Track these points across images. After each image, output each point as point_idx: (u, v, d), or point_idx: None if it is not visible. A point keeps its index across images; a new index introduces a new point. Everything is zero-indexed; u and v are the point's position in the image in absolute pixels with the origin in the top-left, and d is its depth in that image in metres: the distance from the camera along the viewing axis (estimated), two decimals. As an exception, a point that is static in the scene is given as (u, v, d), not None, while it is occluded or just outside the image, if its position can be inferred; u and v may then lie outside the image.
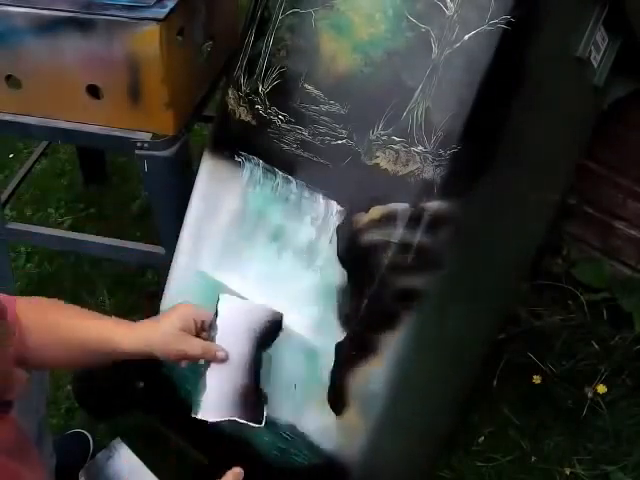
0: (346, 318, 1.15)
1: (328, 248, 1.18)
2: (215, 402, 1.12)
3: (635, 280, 1.88)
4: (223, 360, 1.12)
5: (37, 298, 1.17)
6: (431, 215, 1.09)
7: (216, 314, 1.15)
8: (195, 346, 1.11)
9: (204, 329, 1.16)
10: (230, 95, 1.30)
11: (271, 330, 1.18)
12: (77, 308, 1.17)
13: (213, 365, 1.12)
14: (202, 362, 1.14)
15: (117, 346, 1.10)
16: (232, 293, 1.27)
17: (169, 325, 1.12)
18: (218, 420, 1.12)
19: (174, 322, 1.12)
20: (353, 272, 1.16)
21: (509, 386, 1.74)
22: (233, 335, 1.14)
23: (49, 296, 1.18)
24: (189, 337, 1.12)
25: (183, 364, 1.16)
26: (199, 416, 1.12)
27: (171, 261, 1.41)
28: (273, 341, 1.18)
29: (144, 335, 1.12)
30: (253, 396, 1.14)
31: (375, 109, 1.12)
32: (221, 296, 1.16)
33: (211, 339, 1.14)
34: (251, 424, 1.14)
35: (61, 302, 1.17)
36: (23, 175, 2.12)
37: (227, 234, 1.32)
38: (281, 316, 1.18)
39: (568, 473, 1.59)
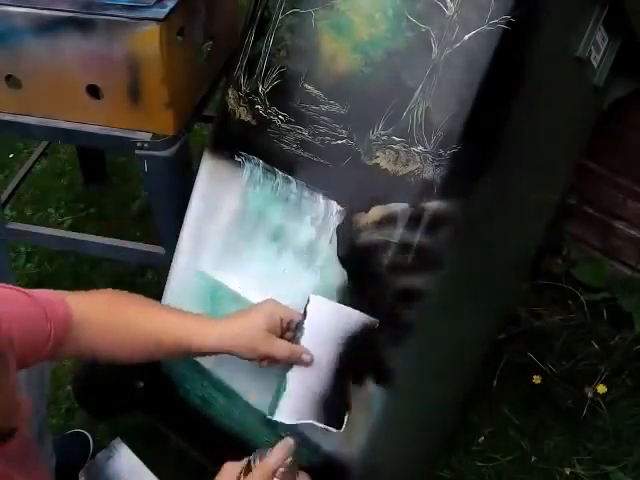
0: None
1: (328, 248, 1.18)
2: (294, 405, 1.10)
3: (635, 280, 1.88)
4: (308, 364, 1.09)
5: (101, 293, 1.16)
6: (431, 215, 1.09)
7: (304, 315, 1.11)
8: (282, 349, 1.09)
9: (289, 329, 1.13)
10: (230, 95, 1.30)
11: (361, 336, 1.11)
12: (149, 302, 1.16)
13: (296, 367, 1.10)
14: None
15: (200, 345, 1.09)
16: (232, 293, 1.28)
17: (256, 325, 1.09)
18: (294, 423, 1.10)
19: (261, 322, 1.09)
20: (353, 272, 1.16)
21: (509, 386, 1.74)
22: (320, 338, 1.11)
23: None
24: (275, 339, 1.10)
25: (264, 363, 1.14)
26: (275, 417, 1.09)
27: (171, 261, 1.41)
28: (364, 348, 1.12)
29: (229, 334, 1.10)
30: (334, 400, 1.11)
31: (375, 109, 1.12)
32: (311, 297, 1.12)
33: (296, 340, 1.11)
34: (330, 428, 1.11)
35: (128, 295, 1.17)
36: (23, 175, 2.12)
37: (227, 234, 1.32)
38: (375, 323, 1.12)
39: (568, 473, 1.59)
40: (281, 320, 1.12)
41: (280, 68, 1.23)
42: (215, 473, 1.03)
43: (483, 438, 1.67)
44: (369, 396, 1.17)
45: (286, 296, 1.20)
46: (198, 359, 1.34)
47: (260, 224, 1.28)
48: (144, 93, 1.45)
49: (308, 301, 1.12)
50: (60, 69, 1.45)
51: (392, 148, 1.11)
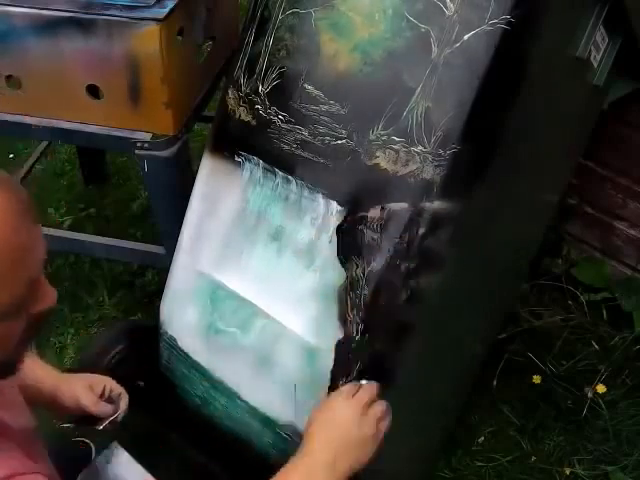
0: (346, 318, 1.16)
1: (328, 248, 1.18)
2: None
3: (635, 280, 1.88)
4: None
5: None
6: (431, 215, 1.09)
7: None
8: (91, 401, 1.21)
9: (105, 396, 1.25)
10: (230, 95, 1.30)
11: None
12: None
13: None
14: None
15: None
16: (232, 293, 1.28)
17: (84, 377, 1.24)
18: None
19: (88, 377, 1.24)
20: (353, 272, 1.16)
21: (509, 386, 1.74)
22: None
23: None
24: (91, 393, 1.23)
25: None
26: None
27: (171, 261, 1.41)
28: None
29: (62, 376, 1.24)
30: None
31: (375, 109, 1.12)
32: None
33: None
34: None
35: None
36: (23, 175, 2.12)
37: (227, 234, 1.32)
38: None
39: (568, 473, 1.59)
40: (104, 387, 1.24)
41: (280, 68, 1.23)
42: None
43: (483, 438, 1.67)
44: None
45: (286, 296, 1.21)
46: (198, 359, 1.34)
47: (260, 224, 1.28)
48: (144, 93, 1.45)
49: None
50: (60, 69, 1.46)
51: (392, 148, 1.10)
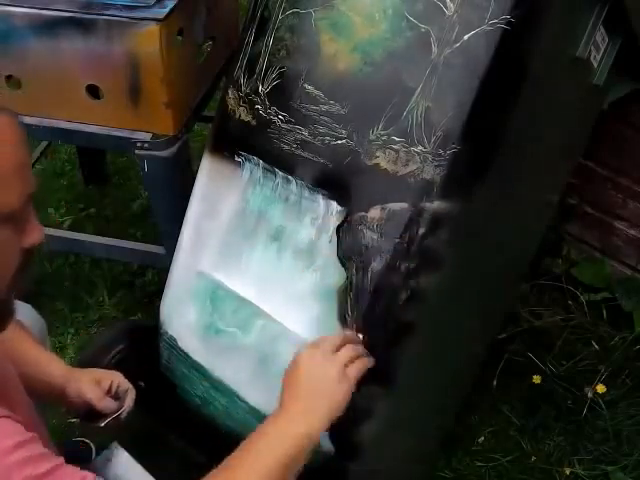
0: (346, 318, 1.16)
1: (328, 248, 1.18)
2: None
3: (635, 280, 1.88)
4: None
5: None
6: (431, 215, 1.09)
7: None
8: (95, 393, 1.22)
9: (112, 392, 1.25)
10: (230, 95, 1.30)
11: None
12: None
13: None
14: None
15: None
16: (232, 293, 1.28)
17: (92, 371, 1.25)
18: None
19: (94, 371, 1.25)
20: (353, 272, 1.16)
21: (509, 386, 1.74)
22: None
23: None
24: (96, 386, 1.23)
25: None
26: None
27: (171, 261, 1.41)
28: None
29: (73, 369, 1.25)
30: None
31: (375, 109, 1.12)
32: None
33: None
34: None
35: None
36: (23, 175, 2.12)
37: (227, 234, 1.32)
38: None
39: (568, 473, 1.59)
40: (111, 383, 1.25)
41: (280, 68, 1.23)
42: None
43: (483, 438, 1.67)
44: (369, 397, 1.17)
45: (286, 296, 1.21)
46: (198, 359, 1.34)
47: (260, 224, 1.28)
48: (144, 93, 1.45)
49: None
50: (60, 69, 1.46)
51: (392, 148, 1.10)
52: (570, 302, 1.86)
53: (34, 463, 0.79)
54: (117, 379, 1.26)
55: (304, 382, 1.00)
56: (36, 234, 0.86)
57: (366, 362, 1.06)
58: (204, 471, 0.95)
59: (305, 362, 1.01)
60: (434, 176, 1.08)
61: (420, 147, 1.08)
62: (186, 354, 1.36)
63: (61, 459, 0.83)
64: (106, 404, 1.22)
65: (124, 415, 1.25)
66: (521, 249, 1.50)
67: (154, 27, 1.36)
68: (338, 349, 1.03)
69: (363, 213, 1.14)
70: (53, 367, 1.23)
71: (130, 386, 1.27)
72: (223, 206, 1.33)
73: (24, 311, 1.34)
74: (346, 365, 1.02)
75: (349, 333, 1.11)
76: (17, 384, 1.02)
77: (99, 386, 1.23)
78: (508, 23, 1.04)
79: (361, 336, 1.12)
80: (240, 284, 1.28)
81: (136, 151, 1.51)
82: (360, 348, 1.07)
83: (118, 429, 1.30)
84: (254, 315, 1.25)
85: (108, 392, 1.24)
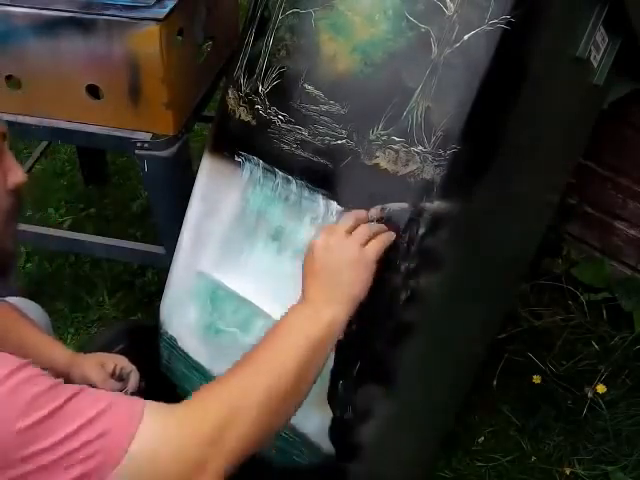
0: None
1: (328, 248, 1.18)
2: None
3: (635, 280, 1.88)
4: None
5: None
6: (431, 215, 1.09)
7: None
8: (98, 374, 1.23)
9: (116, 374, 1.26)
10: (230, 95, 1.30)
11: None
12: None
13: None
14: None
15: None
16: (232, 293, 1.28)
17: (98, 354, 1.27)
18: None
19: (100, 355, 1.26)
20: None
21: (509, 386, 1.74)
22: None
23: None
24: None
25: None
26: None
27: (171, 261, 1.41)
28: None
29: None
30: None
31: (375, 109, 1.12)
32: None
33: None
34: None
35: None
36: (23, 175, 2.12)
37: (227, 234, 1.32)
38: None
39: (568, 473, 1.59)
40: (115, 365, 1.26)
41: (280, 68, 1.23)
42: None
43: (483, 438, 1.67)
44: (369, 397, 1.17)
45: (286, 296, 1.20)
46: (198, 359, 1.34)
47: (260, 224, 1.28)
48: (144, 93, 1.45)
49: None
50: (60, 69, 1.46)
51: (392, 148, 1.10)
52: (570, 302, 1.86)
53: (35, 380, 0.76)
54: (121, 361, 1.27)
55: (321, 272, 0.98)
56: (18, 173, 0.86)
57: (384, 238, 1.03)
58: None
59: (319, 251, 0.99)
60: (434, 176, 1.08)
61: (420, 147, 1.08)
62: (186, 354, 1.36)
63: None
64: (110, 385, 1.22)
65: (128, 395, 1.25)
66: (521, 249, 1.50)
67: (154, 27, 1.36)
68: (352, 230, 1.01)
69: (363, 213, 1.13)
70: (57, 353, 1.24)
71: (134, 368, 1.27)
72: (223, 206, 1.33)
73: (30, 308, 1.34)
74: (363, 245, 1.00)
75: (362, 211, 1.07)
76: None
77: (103, 369, 1.24)
78: (508, 23, 1.04)
79: (378, 210, 1.08)
80: (240, 284, 1.28)
81: (136, 151, 1.51)
82: (376, 225, 1.05)
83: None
84: (254, 315, 1.25)
85: (112, 375, 1.25)
